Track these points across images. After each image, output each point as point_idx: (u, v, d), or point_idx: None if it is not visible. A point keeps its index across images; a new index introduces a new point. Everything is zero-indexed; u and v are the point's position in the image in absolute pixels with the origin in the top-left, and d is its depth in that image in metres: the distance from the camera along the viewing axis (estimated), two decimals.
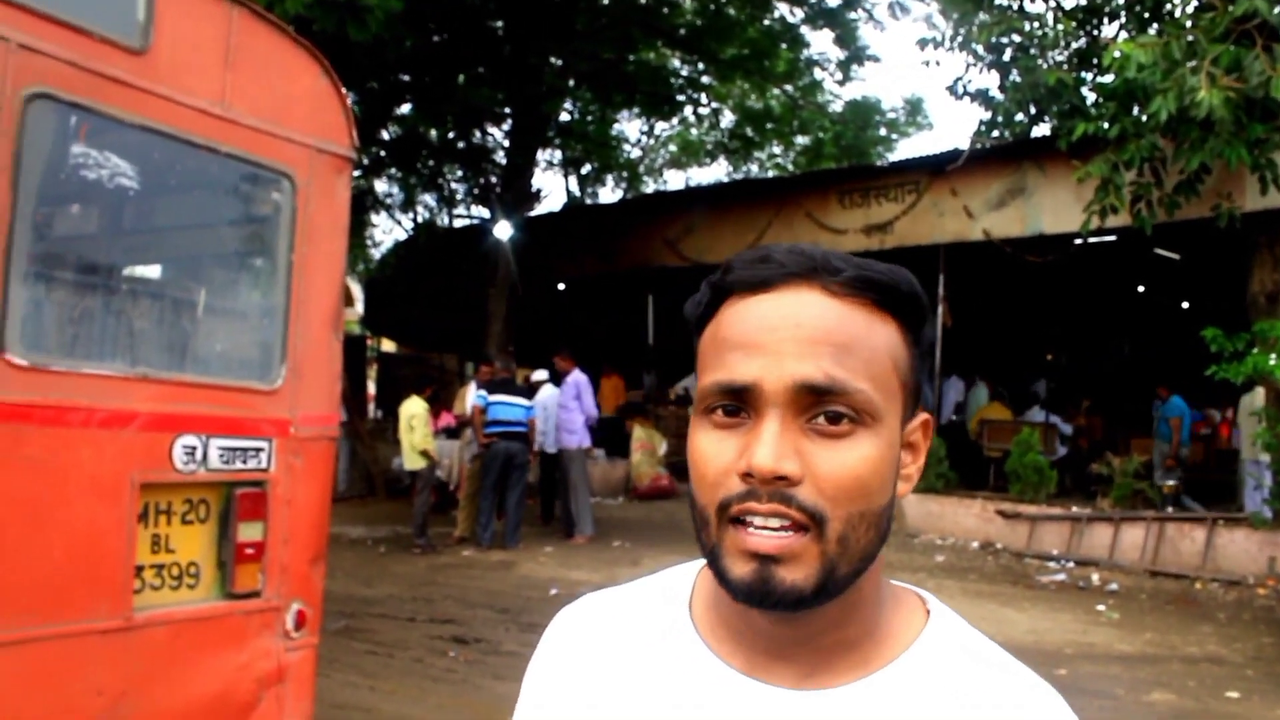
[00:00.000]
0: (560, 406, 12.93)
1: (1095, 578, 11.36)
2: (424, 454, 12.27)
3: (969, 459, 14.90)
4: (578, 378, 12.98)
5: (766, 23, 18.48)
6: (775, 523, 0.89)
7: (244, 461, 4.04)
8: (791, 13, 18.15)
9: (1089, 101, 12.26)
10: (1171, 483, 12.92)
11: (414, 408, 12.38)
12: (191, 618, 3.94)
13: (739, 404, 0.92)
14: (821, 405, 0.90)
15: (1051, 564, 12.07)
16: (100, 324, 3.79)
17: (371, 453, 16.51)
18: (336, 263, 4.63)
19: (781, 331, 0.91)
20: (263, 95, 4.42)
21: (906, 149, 24.85)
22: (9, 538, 3.38)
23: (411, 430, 12.26)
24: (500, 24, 16.34)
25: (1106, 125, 10.98)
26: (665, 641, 1.04)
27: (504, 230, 17.53)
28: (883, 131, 22.82)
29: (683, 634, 1.03)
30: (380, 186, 22.43)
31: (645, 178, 29.15)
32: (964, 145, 13.85)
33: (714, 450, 0.92)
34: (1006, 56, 12.86)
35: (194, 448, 3.86)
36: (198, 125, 4.02)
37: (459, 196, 22.21)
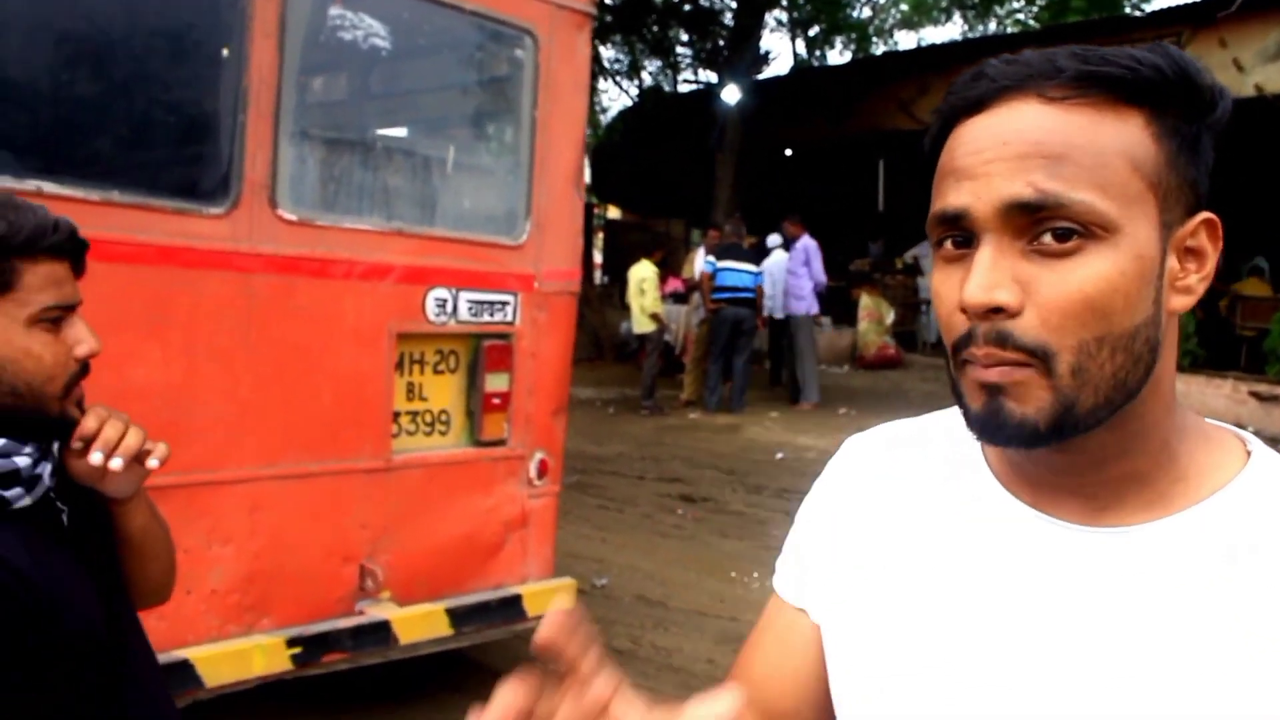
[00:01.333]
0: (789, 272, 12.83)
1: None
2: (653, 317, 12.46)
3: (1219, 337, 13.98)
4: (807, 243, 12.81)
5: None
6: (995, 367, 0.83)
7: (491, 314, 4.19)
8: None
9: None
10: None
11: (644, 271, 12.53)
12: (443, 462, 4.17)
13: (964, 234, 0.86)
14: (1041, 224, 0.81)
15: None
16: (357, 181, 3.97)
17: (599, 317, 16.87)
18: (577, 120, 4.66)
19: (989, 152, 0.83)
20: None
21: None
22: (288, 382, 3.64)
23: (641, 294, 12.44)
24: None
25: None
26: (957, 476, 0.99)
27: (731, 95, 17.28)
28: None
29: (974, 469, 0.99)
30: (606, 54, 22.42)
31: (874, 39, 28.05)
32: None
33: (943, 288, 0.87)
34: None
35: (445, 300, 4.03)
36: None
37: (685, 61, 21.98)
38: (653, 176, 21.68)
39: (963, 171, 0.85)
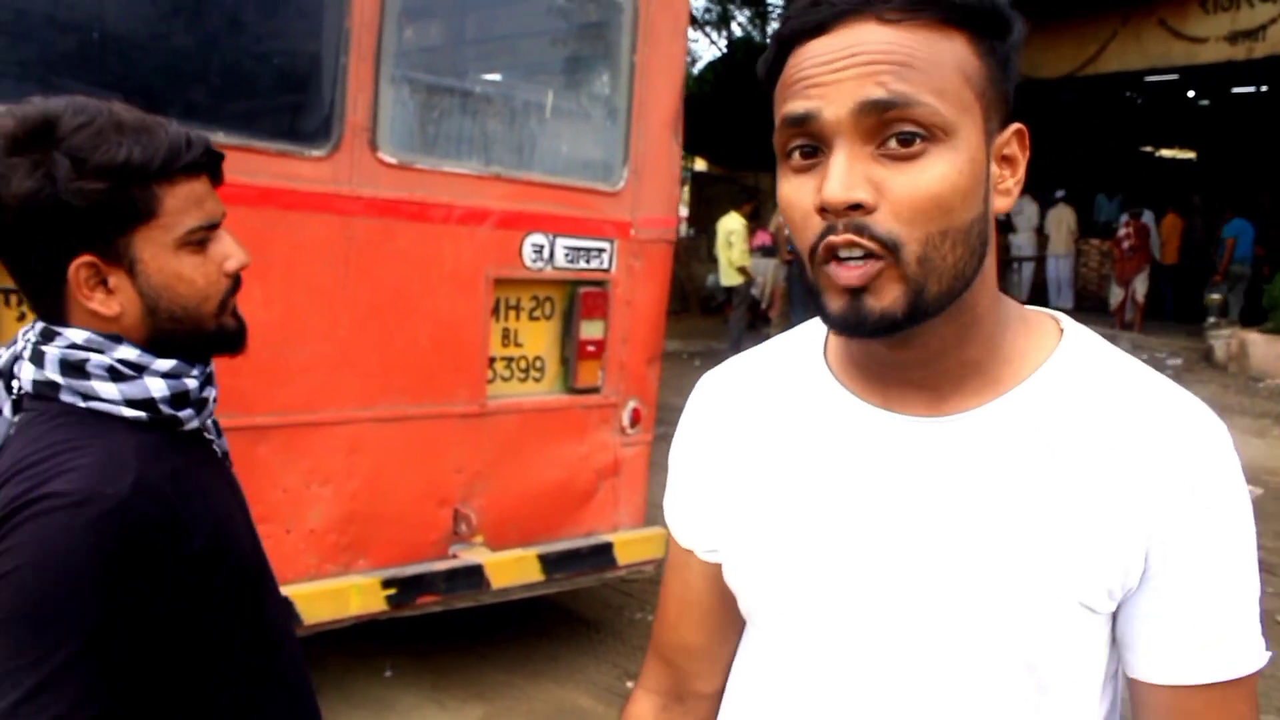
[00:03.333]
0: None
1: None
2: (741, 271, 12.35)
3: None
4: None
5: None
6: (856, 253, 0.90)
7: (587, 261, 4.16)
8: None
9: None
10: None
11: (733, 224, 12.42)
12: (537, 408, 4.17)
13: (813, 143, 0.92)
14: (889, 127, 0.89)
15: None
16: (456, 125, 3.95)
17: (685, 269, 16.79)
18: (676, 65, 4.59)
19: (838, 63, 0.90)
20: None
21: None
22: (387, 325, 3.66)
23: (729, 246, 12.33)
24: None
25: None
26: (804, 387, 1.08)
27: None
28: None
29: (819, 378, 1.08)
30: (696, 3, 22.11)
31: None
32: None
33: (795, 196, 0.94)
34: None
35: (542, 246, 4.01)
36: None
37: (775, 11, 21.61)
38: (742, 129, 21.35)
39: (810, 80, 0.92)
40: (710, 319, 14.80)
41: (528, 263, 3.99)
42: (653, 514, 4.79)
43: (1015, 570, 0.95)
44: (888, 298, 0.91)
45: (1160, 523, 0.95)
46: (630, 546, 4.38)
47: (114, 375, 1.27)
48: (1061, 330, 1.05)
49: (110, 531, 1.17)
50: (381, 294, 3.64)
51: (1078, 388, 0.99)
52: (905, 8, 0.91)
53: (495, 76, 5.12)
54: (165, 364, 1.31)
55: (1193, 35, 13.81)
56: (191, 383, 1.33)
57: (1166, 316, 16.11)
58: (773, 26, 23.50)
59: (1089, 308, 16.81)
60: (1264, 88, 19.93)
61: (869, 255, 0.90)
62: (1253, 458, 9.10)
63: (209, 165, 1.33)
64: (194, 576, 1.27)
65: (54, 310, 1.30)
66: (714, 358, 12.71)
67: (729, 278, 12.51)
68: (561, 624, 4.82)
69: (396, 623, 3.81)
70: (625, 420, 4.40)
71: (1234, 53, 13.41)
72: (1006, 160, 0.98)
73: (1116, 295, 15.59)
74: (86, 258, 1.26)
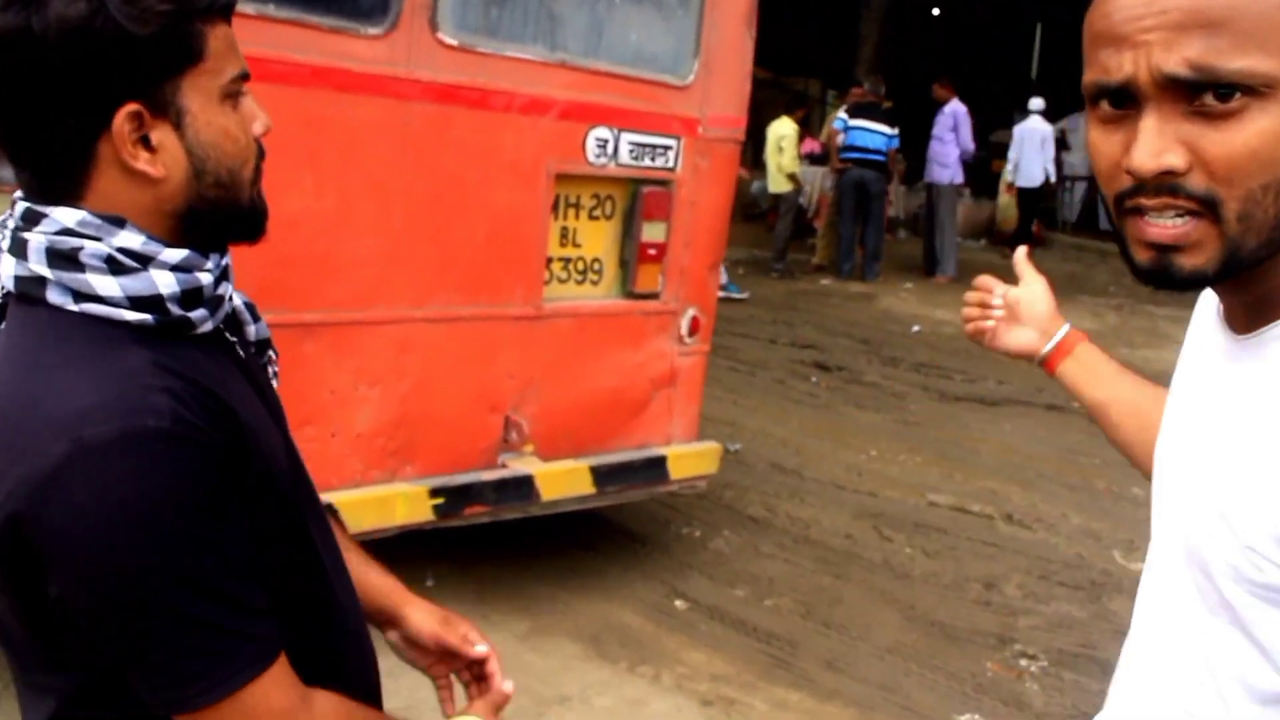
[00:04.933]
0: (934, 138, 12.21)
1: None
2: (791, 177, 11.98)
3: None
4: (956, 108, 12.12)
5: None
6: (1169, 214, 0.88)
7: (652, 159, 3.93)
8: None
9: None
10: None
11: (784, 129, 12.01)
12: (594, 313, 3.97)
13: (1123, 93, 0.88)
14: (1203, 86, 0.84)
15: None
16: (521, 6, 3.67)
17: None
18: None
19: (1147, 20, 0.85)
20: None
21: None
22: (441, 219, 3.44)
23: (780, 151, 11.94)
24: None
25: None
26: (1208, 308, 1.09)
27: None
28: None
29: (1212, 302, 1.07)
30: None
31: None
32: None
33: (1103, 147, 0.91)
34: None
35: (606, 140, 3.77)
36: None
37: None
38: (791, 31, 20.83)
39: (1121, 39, 0.87)
40: (752, 226, 14.44)
41: (591, 158, 3.75)
42: (706, 428, 4.62)
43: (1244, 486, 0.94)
44: (1202, 257, 0.89)
45: None
46: (684, 461, 4.20)
47: (113, 267, 1.04)
48: None
49: (189, 465, 1.02)
50: (437, 186, 3.42)
51: None
52: None
53: None
54: (175, 254, 1.07)
55: None
56: (206, 277, 1.10)
57: None
58: None
59: None
60: None
61: (1185, 214, 0.87)
62: None
63: (228, 9, 1.11)
64: (231, 488, 1.07)
65: (67, 185, 1.06)
66: (758, 266, 12.46)
67: (778, 184, 12.15)
68: (607, 538, 4.67)
69: (440, 529, 3.66)
70: (684, 329, 4.19)
71: None
72: None
73: None
74: (133, 106, 1.03)
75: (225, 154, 1.09)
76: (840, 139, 11.75)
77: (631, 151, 3.84)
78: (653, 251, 4.00)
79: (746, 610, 4.20)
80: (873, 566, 4.72)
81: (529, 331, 3.76)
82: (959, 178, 12.37)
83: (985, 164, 15.99)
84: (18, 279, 1.06)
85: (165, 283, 1.06)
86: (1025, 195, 13.86)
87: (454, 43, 3.36)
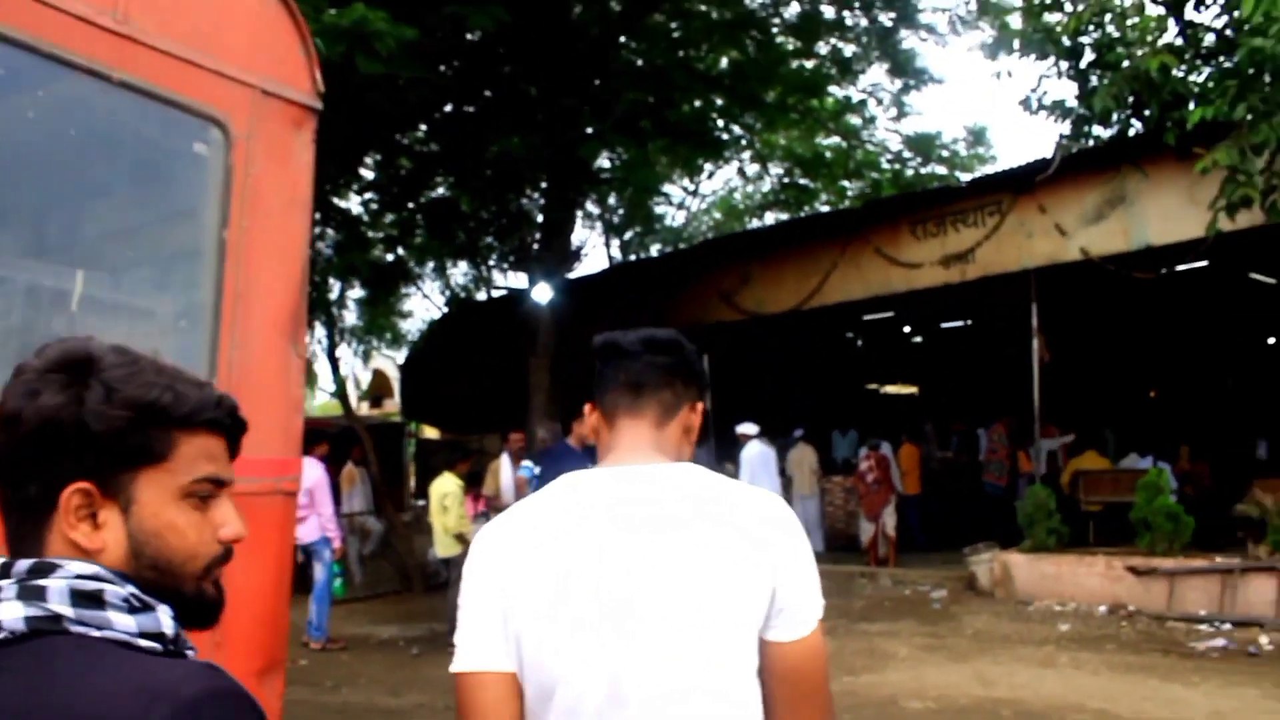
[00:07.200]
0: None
1: (1265, 641, 9.49)
2: (458, 538, 10.67)
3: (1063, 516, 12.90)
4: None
5: (810, 64, 17.08)
6: None
7: None
8: (841, 39, 16.71)
9: (1198, 88, 10.70)
10: None
11: (446, 486, 10.81)
12: None
13: None
14: None
15: (1203, 627, 10.22)
16: None
17: (406, 544, 15.00)
18: (294, 247, 3.33)
19: None
20: (180, 11, 3.14)
21: None
22: None
23: (444, 511, 10.67)
24: (525, 68, 15.02)
25: (1229, 108, 9.39)
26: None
27: (543, 293, 16.12)
28: (942, 170, 21.09)
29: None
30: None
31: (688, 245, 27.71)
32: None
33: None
34: (1089, 57, 11.41)
35: None
36: (76, 38, 2.85)
37: (494, 261, 20.94)
38: (466, 389, 20.28)
39: None
40: (434, 597, 12.90)
41: None
42: None
43: None
44: None
45: None
46: None
47: (129, 607, 1.20)
48: None
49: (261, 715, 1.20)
50: None
51: None
52: None
53: None
54: (166, 607, 1.24)
55: (908, 261, 13.69)
56: (168, 625, 1.25)
57: (919, 547, 15.52)
58: (495, 278, 22.77)
59: (840, 548, 16.08)
60: (969, 321, 20.64)
61: None
62: (1049, 695, 8.00)
63: (231, 429, 1.30)
64: None
65: (30, 538, 1.23)
66: (435, 643, 10.81)
67: (445, 547, 10.78)
68: None
69: None
70: None
71: (949, 276, 13.33)
72: None
73: (867, 531, 15.01)
74: (83, 484, 1.22)
75: (167, 545, 1.25)
76: (528, 490, 10.69)
77: None
78: None
79: None
80: None
81: None
82: None
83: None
84: (30, 618, 1.17)
85: (166, 623, 1.23)
86: None
87: None
